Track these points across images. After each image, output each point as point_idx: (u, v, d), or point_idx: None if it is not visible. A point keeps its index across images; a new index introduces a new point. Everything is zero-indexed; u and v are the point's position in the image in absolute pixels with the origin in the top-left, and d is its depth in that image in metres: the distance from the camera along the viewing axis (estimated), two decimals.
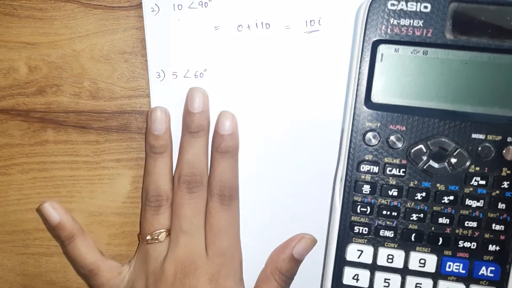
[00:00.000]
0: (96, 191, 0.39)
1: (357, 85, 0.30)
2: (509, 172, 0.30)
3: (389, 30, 0.29)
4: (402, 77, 0.30)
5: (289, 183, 0.35)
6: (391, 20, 0.29)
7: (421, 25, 0.29)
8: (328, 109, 0.34)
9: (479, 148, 0.30)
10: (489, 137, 0.29)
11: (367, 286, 0.32)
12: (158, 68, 0.36)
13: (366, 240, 0.31)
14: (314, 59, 0.34)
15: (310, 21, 0.34)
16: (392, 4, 0.29)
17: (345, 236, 0.31)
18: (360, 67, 0.30)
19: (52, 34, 0.37)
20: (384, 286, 0.31)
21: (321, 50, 0.34)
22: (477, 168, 0.30)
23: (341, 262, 0.32)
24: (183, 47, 0.35)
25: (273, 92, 0.35)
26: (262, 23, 0.34)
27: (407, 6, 0.29)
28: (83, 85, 0.38)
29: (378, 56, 0.30)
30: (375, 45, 0.29)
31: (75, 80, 0.38)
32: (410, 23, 0.29)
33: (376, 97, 0.30)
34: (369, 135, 0.30)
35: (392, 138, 0.30)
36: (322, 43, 0.34)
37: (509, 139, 0.29)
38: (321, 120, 0.34)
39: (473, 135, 0.30)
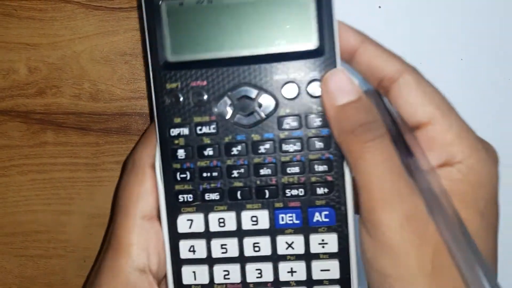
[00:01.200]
0: (96, 193, 0.39)
1: (150, 48, 0.28)
2: (319, 108, 0.28)
3: None
4: (193, 30, 0.29)
5: None
6: None
7: None
8: None
9: (284, 89, 0.28)
10: (291, 75, 0.28)
11: (205, 256, 0.30)
12: None
13: (194, 208, 0.30)
14: None
15: None
16: None
17: (174, 208, 0.30)
18: (148, 28, 0.28)
19: (52, 35, 0.37)
20: (223, 253, 0.30)
21: None
22: (287, 110, 0.28)
23: (175, 236, 0.30)
24: None
25: None
26: None
27: None
28: (83, 86, 0.37)
29: (163, 13, 0.28)
30: (158, 1, 0.28)
31: (75, 81, 0.37)
32: None
33: (171, 57, 0.29)
34: (172, 96, 0.29)
35: (196, 95, 0.29)
36: None
37: (312, 75, 0.28)
38: None
39: (275, 77, 0.28)
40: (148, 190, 0.30)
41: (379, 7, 0.36)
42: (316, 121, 0.28)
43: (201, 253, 0.30)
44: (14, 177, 0.39)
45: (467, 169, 0.27)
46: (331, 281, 0.30)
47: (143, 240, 0.30)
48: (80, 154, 0.38)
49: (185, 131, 0.29)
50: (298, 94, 0.28)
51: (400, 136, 0.28)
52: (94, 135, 0.38)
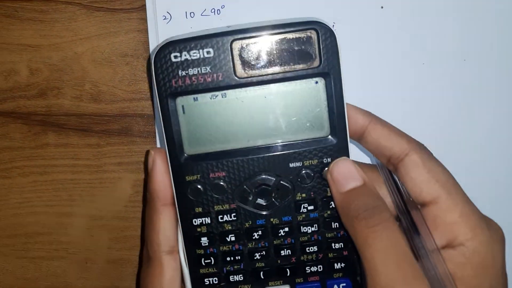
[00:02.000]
0: (97, 195, 0.39)
1: (167, 142, 0.29)
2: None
3: (180, 82, 0.28)
4: (209, 124, 0.29)
5: None
6: (180, 72, 0.28)
7: (210, 70, 0.28)
8: None
9: (299, 176, 0.30)
10: (306, 163, 0.30)
11: None
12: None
13: None
14: None
15: None
16: (176, 57, 0.28)
17: None
18: (164, 124, 0.29)
19: (53, 36, 0.37)
20: None
21: None
22: (303, 195, 0.30)
23: None
24: None
25: None
26: None
27: (190, 55, 0.28)
28: (84, 88, 0.37)
29: (179, 108, 0.29)
30: (173, 98, 0.29)
31: (76, 82, 0.37)
32: (198, 71, 0.28)
33: (188, 150, 0.30)
34: (192, 188, 0.30)
35: (215, 186, 0.30)
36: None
37: (325, 160, 0.29)
38: None
39: (290, 165, 0.30)
40: (170, 280, 0.30)
41: (381, 7, 0.36)
42: (331, 203, 0.30)
43: None
44: (15, 179, 0.39)
45: (470, 252, 0.27)
46: None
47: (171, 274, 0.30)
48: (82, 156, 0.38)
49: (207, 220, 0.30)
50: (313, 179, 0.30)
51: (408, 213, 0.29)
52: (95, 137, 0.38)
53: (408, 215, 0.29)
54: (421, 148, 0.30)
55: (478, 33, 0.36)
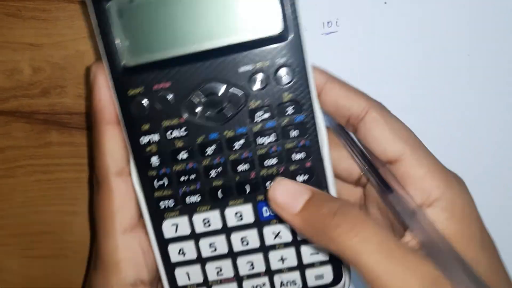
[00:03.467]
0: None
1: (106, 53, 0.27)
2: (290, 95, 0.27)
3: None
4: (148, 28, 0.27)
5: None
6: None
7: None
8: None
9: (251, 81, 0.27)
10: (258, 65, 0.27)
11: (196, 256, 0.30)
12: None
13: (178, 212, 0.29)
14: (332, 61, 0.33)
15: (327, 22, 0.34)
16: None
17: (157, 215, 0.29)
18: (101, 32, 0.27)
19: (55, 35, 0.37)
20: (212, 251, 0.30)
21: (338, 52, 0.34)
22: (257, 102, 0.28)
23: (162, 242, 0.30)
24: None
25: None
26: None
27: None
28: (88, 86, 0.37)
29: (113, 14, 0.27)
30: (106, 1, 0.26)
31: (79, 81, 0.37)
32: None
33: (128, 60, 0.27)
34: (136, 103, 0.27)
35: (161, 98, 0.27)
36: (340, 44, 0.34)
37: (278, 61, 0.27)
38: None
39: (240, 69, 0.27)
40: (121, 203, 0.29)
41: (385, 3, 0.35)
42: (289, 109, 0.28)
43: (191, 254, 0.30)
44: (19, 178, 0.39)
45: (449, 205, 0.27)
46: (322, 263, 0.30)
47: (129, 254, 0.29)
48: (85, 154, 0.38)
49: (155, 137, 0.28)
50: (267, 84, 0.27)
51: (376, 173, 0.28)
52: None
53: (377, 175, 0.28)
54: (380, 105, 0.29)
55: (483, 28, 0.36)
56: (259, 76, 0.27)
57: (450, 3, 0.35)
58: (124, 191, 0.29)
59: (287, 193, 0.27)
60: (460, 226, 0.27)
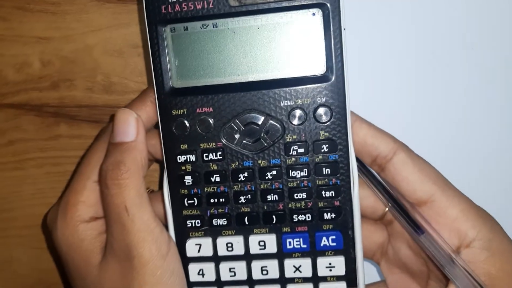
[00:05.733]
0: None
1: (155, 73, 0.28)
2: (326, 134, 0.28)
3: (170, 8, 0.27)
4: (198, 55, 0.28)
5: None
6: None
7: None
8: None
9: (290, 116, 0.28)
10: (298, 101, 0.28)
11: (214, 279, 0.30)
12: None
13: (202, 233, 0.30)
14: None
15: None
16: None
17: (182, 233, 0.30)
18: (153, 54, 0.28)
19: (65, 28, 0.37)
20: (231, 276, 0.30)
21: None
22: (294, 137, 0.28)
23: (184, 260, 0.30)
24: None
25: None
26: None
27: None
28: (96, 79, 0.37)
29: (168, 38, 0.28)
30: (162, 26, 0.28)
31: (88, 74, 0.37)
32: None
33: (176, 82, 0.29)
34: (178, 123, 0.29)
35: (202, 122, 0.28)
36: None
37: (319, 100, 0.28)
38: None
39: (281, 103, 0.28)
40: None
41: None
42: (323, 147, 0.28)
43: (210, 276, 0.30)
44: (29, 170, 0.39)
45: (487, 244, 0.27)
46: None
47: (92, 198, 0.30)
48: None
49: (192, 157, 0.29)
50: (305, 120, 0.28)
51: (406, 213, 0.29)
52: None
53: (406, 215, 0.29)
54: (407, 146, 0.29)
55: (486, 22, 0.35)
56: (298, 112, 0.28)
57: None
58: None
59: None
60: (501, 263, 0.27)
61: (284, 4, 0.27)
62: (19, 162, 0.39)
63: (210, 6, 0.27)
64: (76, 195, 0.30)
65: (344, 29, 0.27)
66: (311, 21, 0.27)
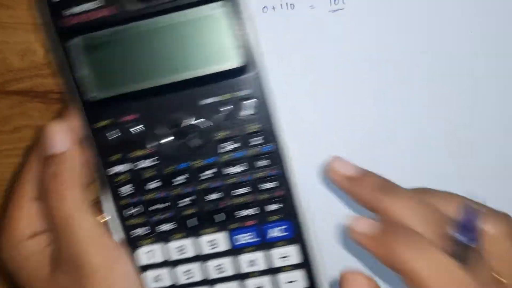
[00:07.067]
0: None
1: (69, 89, 0.28)
2: (255, 126, 0.28)
3: (69, 21, 0.27)
4: (112, 64, 0.28)
5: None
6: (71, 10, 0.27)
7: (100, 4, 0.27)
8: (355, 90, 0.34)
9: (218, 112, 0.28)
10: (223, 97, 0.28)
11: (171, 283, 0.30)
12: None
13: (153, 240, 0.30)
14: (339, 39, 0.34)
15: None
16: None
17: (132, 243, 0.30)
18: (68, 68, 0.28)
19: None
20: (189, 278, 0.30)
21: (346, 29, 0.34)
22: (225, 133, 0.28)
23: (139, 269, 0.30)
24: None
25: (298, 73, 0.35)
26: (286, 4, 0.34)
27: None
28: None
29: (80, 49, 0.28)
30: (68, 40, 0.27)
31: None
32: (88, 7, 0.27)
33: (94, 94, 0.28)
34: (106, 134, 0.28)
35: (129, 129, 0.28)
36: (347, 22, 0.34)
37: (242, 93, 0.28)
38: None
39: (204, 101, 0.28)
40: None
41: None
42: (255, 140, 0.28)
43: (167, 281, 0.30)
44: None
45: None
46: None
47: (32, 215, 0.30)
48: None
49: (125, 167, 0.29)
50: (233, 115, 0.28)
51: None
52: None
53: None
54: None
55: (486, 4, 0.34)
56: (225, 108, 0.28)
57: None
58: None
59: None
60: None
61: (185, 1, 0.27)
62: (25, 148, 0.39)
63: (110, 13, 0.27)
64: (15, 214, 0.30)
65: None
66: (216, 14, 0.27)
